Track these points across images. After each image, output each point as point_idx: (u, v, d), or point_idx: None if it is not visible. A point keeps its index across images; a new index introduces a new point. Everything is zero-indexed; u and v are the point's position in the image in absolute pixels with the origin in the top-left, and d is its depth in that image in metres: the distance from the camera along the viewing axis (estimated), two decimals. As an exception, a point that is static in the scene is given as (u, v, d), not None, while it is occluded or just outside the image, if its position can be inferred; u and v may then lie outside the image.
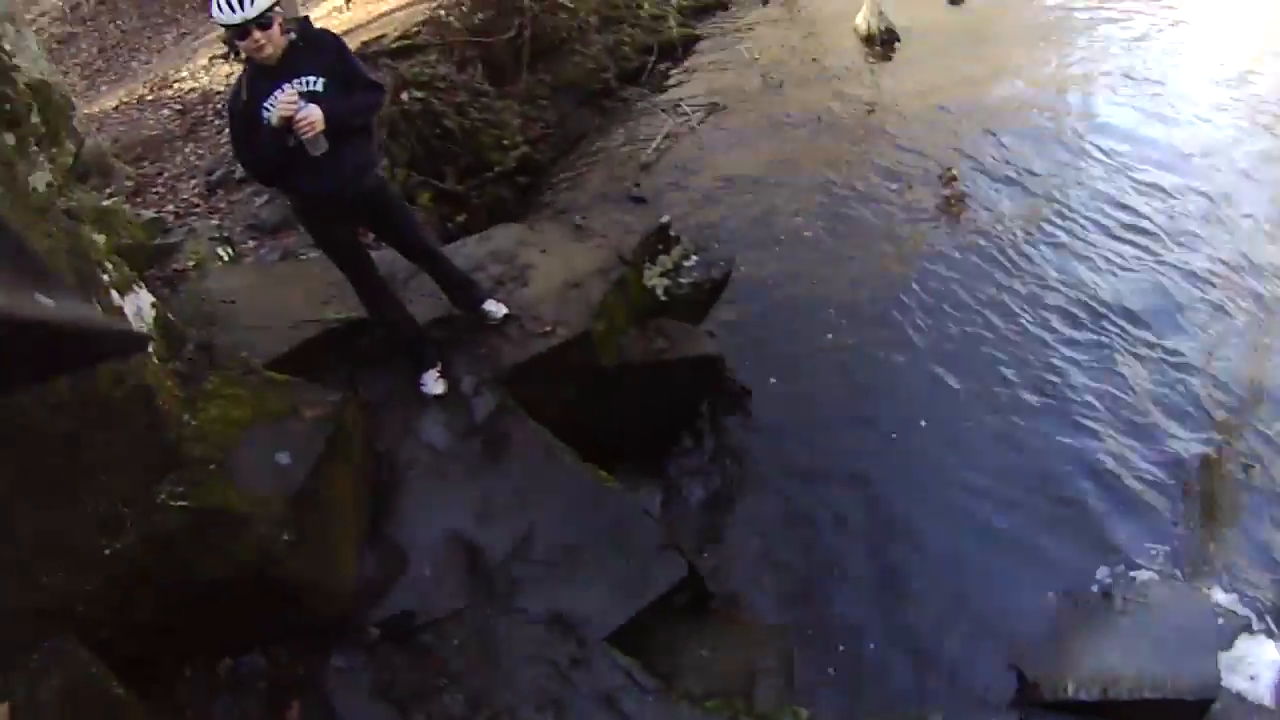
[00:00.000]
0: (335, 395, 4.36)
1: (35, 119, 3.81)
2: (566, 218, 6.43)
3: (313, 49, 3.94)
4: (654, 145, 9.50)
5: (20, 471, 3.33)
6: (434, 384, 4.81)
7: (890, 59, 11.04)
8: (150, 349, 4.08)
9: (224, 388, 4.20)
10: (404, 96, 9.32)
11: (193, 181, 9.21)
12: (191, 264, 5.57)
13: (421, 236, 4.82)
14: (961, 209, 7.73)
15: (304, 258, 7.38)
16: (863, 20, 11.44)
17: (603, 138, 10.39)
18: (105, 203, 6.20)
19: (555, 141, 10.52)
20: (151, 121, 11.34)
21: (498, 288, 5.27)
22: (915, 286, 6.97)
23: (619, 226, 5.88)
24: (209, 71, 12.58)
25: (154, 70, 13.84)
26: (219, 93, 11.54)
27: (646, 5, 12.98)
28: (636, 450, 5.70)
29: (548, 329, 5.07)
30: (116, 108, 12.40)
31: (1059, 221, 7.51)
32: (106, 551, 3.55)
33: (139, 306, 4.25)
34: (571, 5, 11.81)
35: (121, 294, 4.07)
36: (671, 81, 11.65)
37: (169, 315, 4.55)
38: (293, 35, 3.91)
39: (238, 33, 3.72)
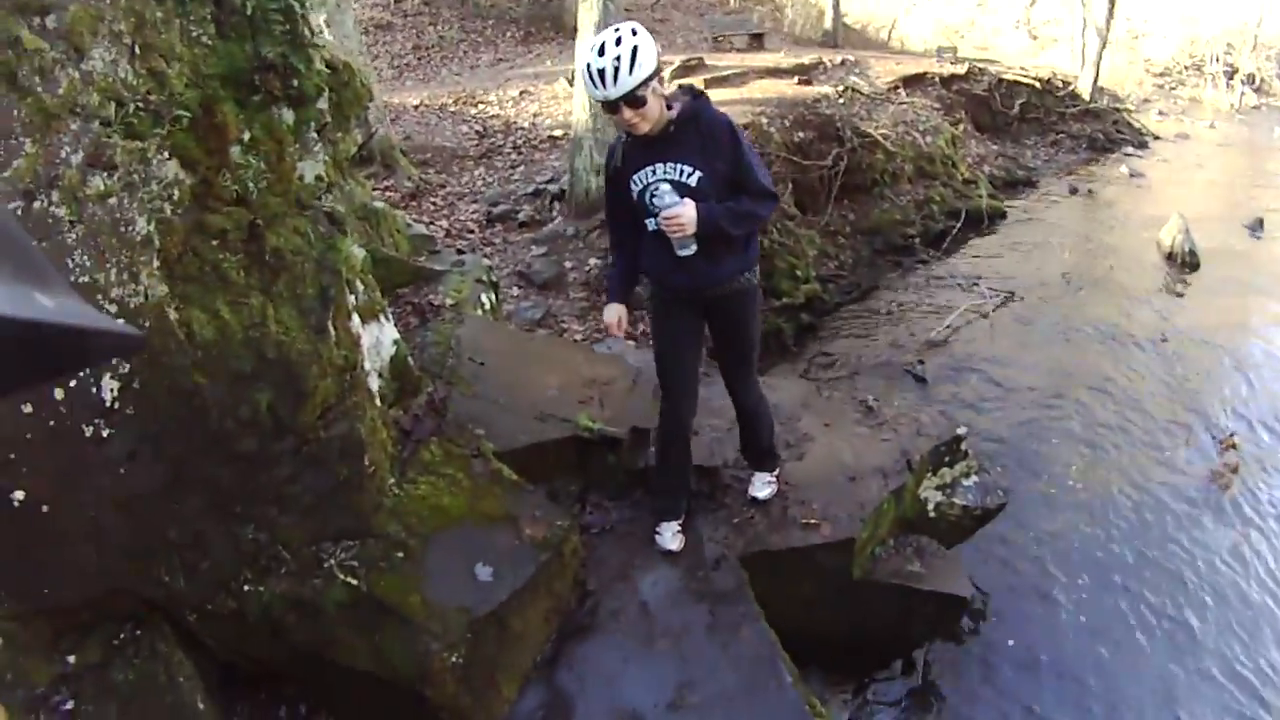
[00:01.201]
0: (562, 519, 3.66)
1: (325, 104, 3.23)
2: (855, 390, 5.61)
3: (701, 132, 3.30)
4: (946, 323, 8.61)
5: (196, 457, 2.79)
6: (671, 539, 4.06)
7: (1189, 282, 10.00)
8: (374, 387, 3.51)
9: (444, 464, 3.56)
10: None
11: (473, 206, 8.93)
12: (450, 302, 5.04)
13: (756, 372, 4.09)
14: (1232, 484, 6.50)
15: (573, 336, 6.90)
16: (1168, 237, 10.62)
17: (894, 296, 9.57)
18: (378, 203, 5.72)
19: (846, 286, 9.79)
20: (449, 133, 11.30)
21: (772, 453, 4.50)
22: (1159, 559, 5.87)
23: (911, 423, 5.01)
24: (517, 104, 12.57)
25: (463, 85, 14.01)
26: (521, 128, 11.43)
27: (962, 168, 12.26)
28: (834, 660, 4.81)
29: (813, 522, 4.23)
30: (417, 107, 12.50)
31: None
32: (246, 588, 2.96)
33: (379, 339, 3.66)
34: (892, 149, 11.20)
35: (364, 320, 3.52)
36: (972, 252, 10.86)
37: (409, 358, 3.99)
38: (672, 114, 3.29)
39: (608, 107, 3.25)
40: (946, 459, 5.01)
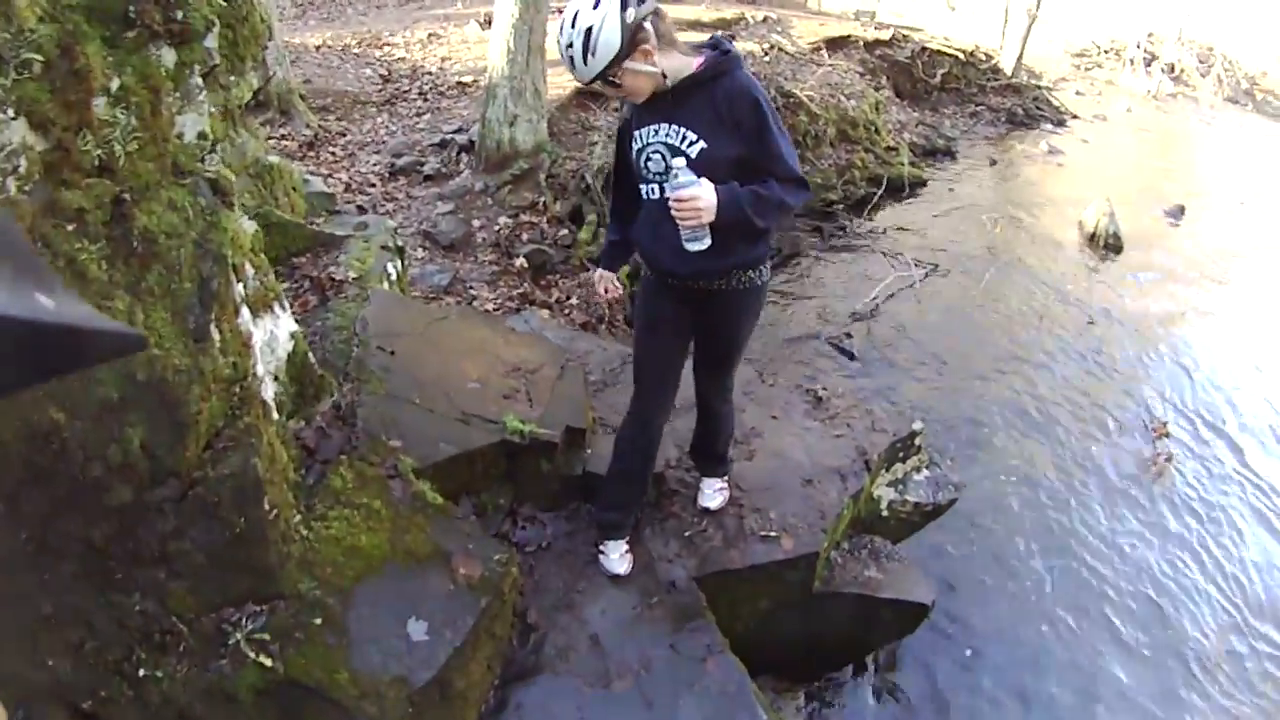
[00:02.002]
0: (500, 552, 3.07)
1: (214, 41, 2.50)
2: (800, 377, 5.07)
3: (717, 98, 2.67)
4: (873, 295, 8.19)
5: (62, 514, 2.17)
6: (618, 561, 3.50)
7: (1112, 266, 9.85)
8: (270, 396, 2.86)
9: (357, 491, 2.94)
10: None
11: (375, 158, 8.13)
12: (353, 275, 4.32)
13: (732, 379, 3.50)
14: (1165, 470, 6.38)
15: (484, 304, 6.21)
16: (1092, 218, 10.48)
17: (819, 267, 9.13)
18: (273, 156, 4.94)
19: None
20: (351, 76, 10.40)
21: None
22: (1101, 548, 5.67)
23: (864, 416, 4.55)
24: (425, 47, 11.68)
25: (368, 25, 13.01)
26: (429, 73, 10.59)
27: (884, 135, 11.86)
28: (788, 665, 4.41)
29: (772, 534, 3.75)
30: (319, 48, 11.53)
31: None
32: (142, 671, 2.37)
33: (273, 334, 3.01)
34: (816, 111, 10.70)
35: (256, 313, 2.84)
36: (894, 220, 10.50)
37: (310, 355, 3.30)
38: (692, 69, 2.68)
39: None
40: (900, 454, 4.63)
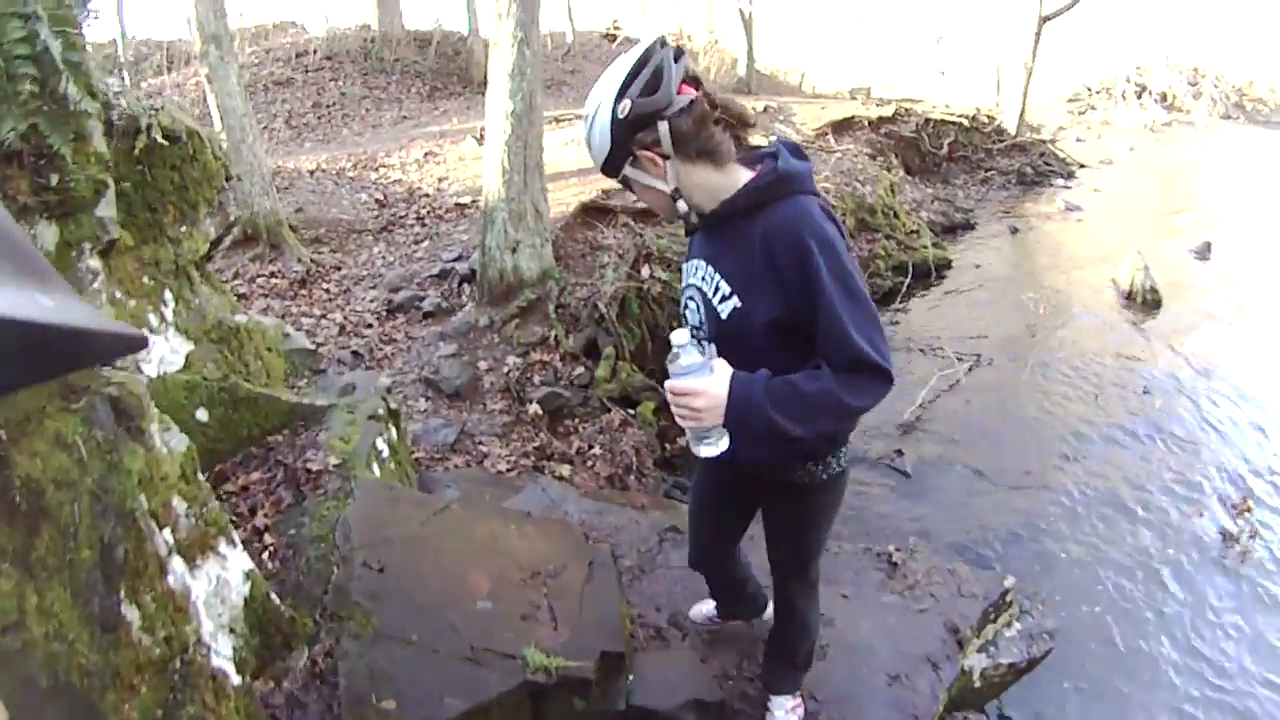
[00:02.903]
0: None
1: (108, 210, 1.92)
2: (868, 541, 4.29)
3: (758, 235, 1.91)
4: (917, 402, 7.47)
5: None
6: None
7: (1155, 323, 9.18)
8: (225, 659, 2.25)
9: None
10: (645, 271, 7.57)
11: (372, 293, 7.55)
12: (334, 462, 3.63)
13: (811, 572, 2.70)
14: (1253, 551, 5.59)
15: (496, 464, 5.52)
16: (1126, 274, 9.84)
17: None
18: (240, 316, 4.29)
19: (802, 364, 8.67)
20: (346, 202, 9.91)
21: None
22: (1199, 648, 4.92)
23: (946, 579, 3.82)
24: (421, 167, 11.24)
25: (364, 146, 12.61)
26: (425, 194, 10.10)
27: (904, 218, 11.29)
28: None
29: (862, 755, 3.01)
30: (313, 172, 11.10)
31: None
32: None
33: (221, 579, 2.36)
34: (833, 201, 10.15)
35: (193, 561, 2.21)
36: (925, 309, 9.89)
37: (274, 597, 2.62)
38: (695, 201, 2.00)
39: None
40: (992, 616, 3.86)
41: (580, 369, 6.80)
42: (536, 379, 6.53)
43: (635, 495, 5.38)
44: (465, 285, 7.62)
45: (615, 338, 7.02)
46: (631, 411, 6.78)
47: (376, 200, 9.97)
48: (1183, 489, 6.25)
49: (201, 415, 3.45)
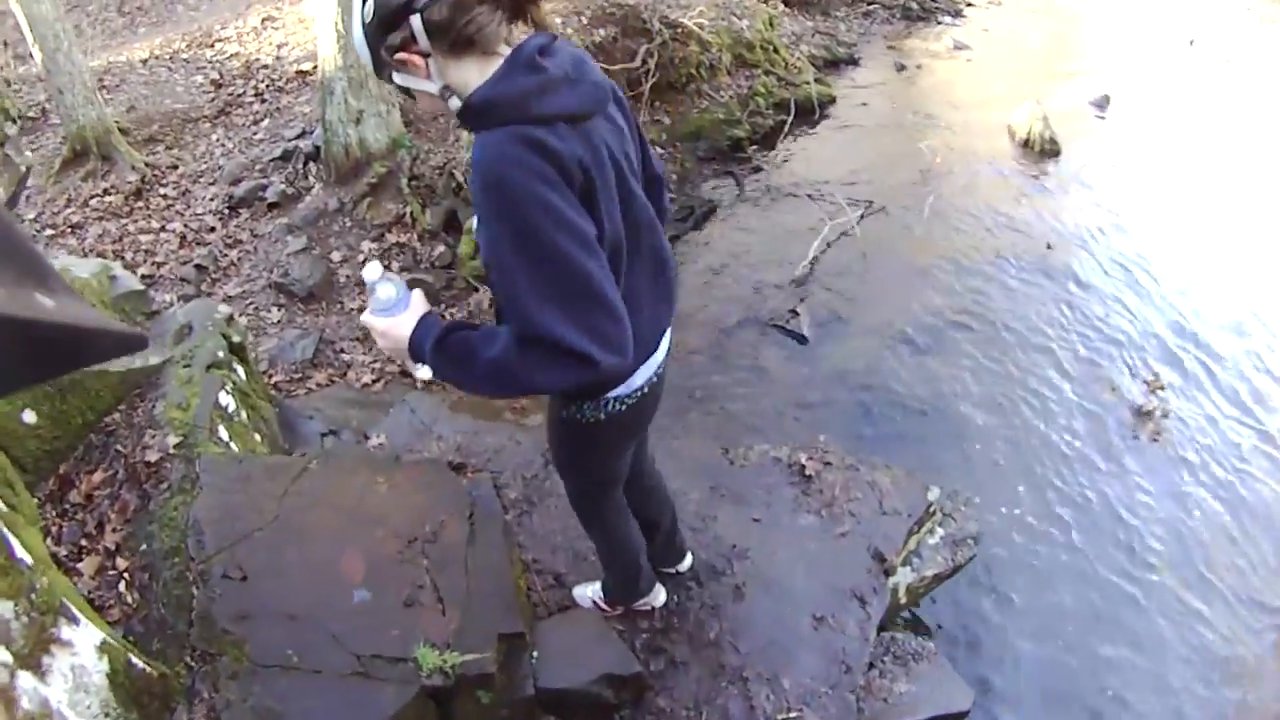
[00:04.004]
0: None
1: None
2: (770, 441, 3.87)
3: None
4: (810, 255, 7.07)
5: None
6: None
7: (1054, 173, 8.79)
8: None
9: None
10: None
11: (212, 190, 6.73)
12: (174, 442, 3.05)
13: (588, 513, 2.53)
14: (1161, 431, 5.48)
15: (362, 375, 4.93)
16: (1024, 122, 9.34)
17: (740, 224, 7.98)
18: (63, 264, 3.61)
19: (677, 211, 8.05)
20: (180, 89, 8.82)
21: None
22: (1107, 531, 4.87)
23: (868, 492, 3.46)
24: (259, 35, 10.03)
25: (199, 20, 11.23)
26: (264, 66, 9.03)
27: (784, 53, 10.59)
28: None
29: (792, 715, 2.67)
30: (145, 61, 9.82)
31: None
32: None
33: (74, 669, 1.94)
34: (708, 38, 9.42)
35: (38, 668, 1.81)
36: (811, 150, 9.37)
37: (135, 659, 2.20)
38: (459, 105, 1.63)
39: None
40: (915, 528, 3.55)
41: (441, 248, 6.24)
42: (395, 265, 5.96)
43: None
44: (311, 165, 6.87)
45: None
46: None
47: (212, 81, 8.88)
48: (1093, 359, 6.09)
49: (29, 418, 3.01)
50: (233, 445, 3.33)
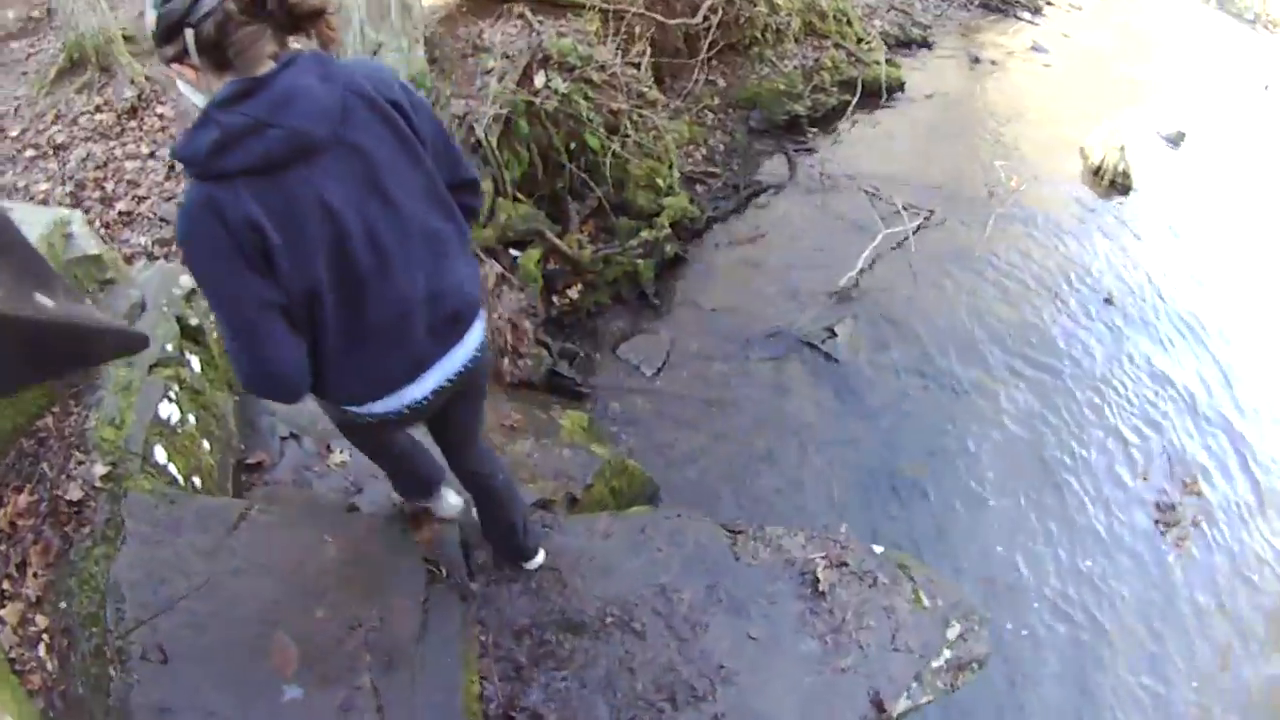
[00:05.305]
0: None
1: None
2: (784, 475, 3.50)
3: None
4: (858, 266, 6.66)
5: None
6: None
7: (1123, 211, 8.21)
8: None
9: None
10: (539, 80, 6.31)
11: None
12: (100, 473, 2.72)
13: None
14: (1187, 540, 5.10)
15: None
16: (1099, 148, 8.78)
17: (788, 213, 7.56)
18: (23, 210, 3.24)
19: (720, 190, 7.67)
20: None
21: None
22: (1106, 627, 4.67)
23: (882, 619, 3.12)
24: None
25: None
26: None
27: (856, 26, 10.00)
28: None
29: None
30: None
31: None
32: None
33: None
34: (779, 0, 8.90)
35: None
36: (872, 139, 8.92)
37: None
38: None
39: None
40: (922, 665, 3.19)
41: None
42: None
43: (500, 408, 4.53)
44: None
45: (495, 169, 5.96)
46: (515, 254, 5.89)
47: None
48: (1133, 437, 5.72)
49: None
50: (171, 466, 3.00)
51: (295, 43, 1.70)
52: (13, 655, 2.39)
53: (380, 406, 2.05)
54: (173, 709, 2.27)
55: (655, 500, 4.75)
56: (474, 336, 2.12)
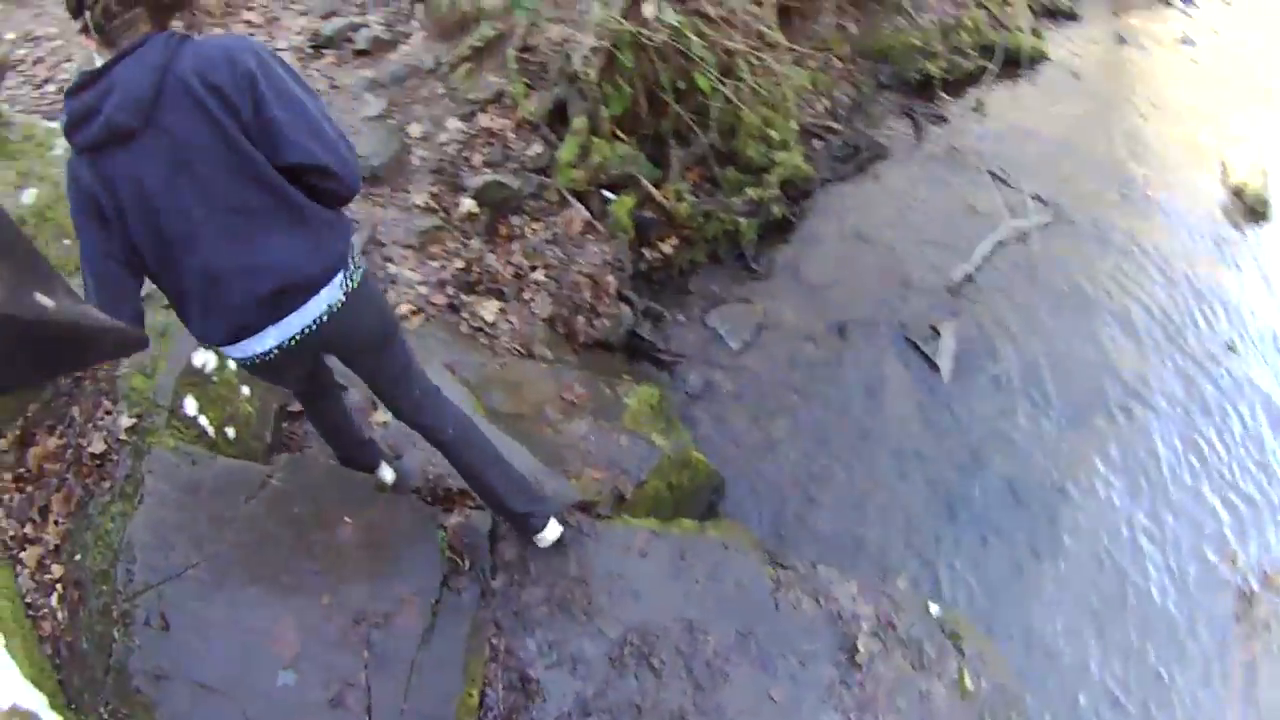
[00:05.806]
0: None
1: None
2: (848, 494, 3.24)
3: None
4: (976, 257, 6.29)
5: None
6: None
7: (1256, 240, 7.46)
8: None
9: None
10: (648, 9, 5.81)
11: (301, 22, 6.02)
12: (126, 425, 2.74)
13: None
14: (1257, 637, 4.63)
15: (408, 296, 4.40)
16: (1243, 166, 8.01)
17: (903, 176, 7.16)
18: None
19: (839, 150, 7.22)
20: None
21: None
22: None
23: (915, 705, 2.90)
24: None
25: None
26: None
27: (1003, -14, 9.36)
28: None
29: None
30: None
31: None
32: None
33: None
34: (921, -58, 8.43)
35: None
36: (1006, 114, 8.30)
37: None
38: None
39: None
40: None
41: (539, 146, 5.54)
42: (478, 157, 5.32)
43: (564, 378, 4.30)
44: (419, 7, 6.13)
45: (591, 103, 5.61)
46: (609, 196, 5.59)
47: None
48: (1227, 514, 5.18)
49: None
50: (202, 419, 2.90)
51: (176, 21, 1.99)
52: (28, 600, 2.48)
53: (236, 352, 2.23)
54: (169, 676, 2.35)
55: (719, 493, 4.56)
56: (317, 303, 2.18)
